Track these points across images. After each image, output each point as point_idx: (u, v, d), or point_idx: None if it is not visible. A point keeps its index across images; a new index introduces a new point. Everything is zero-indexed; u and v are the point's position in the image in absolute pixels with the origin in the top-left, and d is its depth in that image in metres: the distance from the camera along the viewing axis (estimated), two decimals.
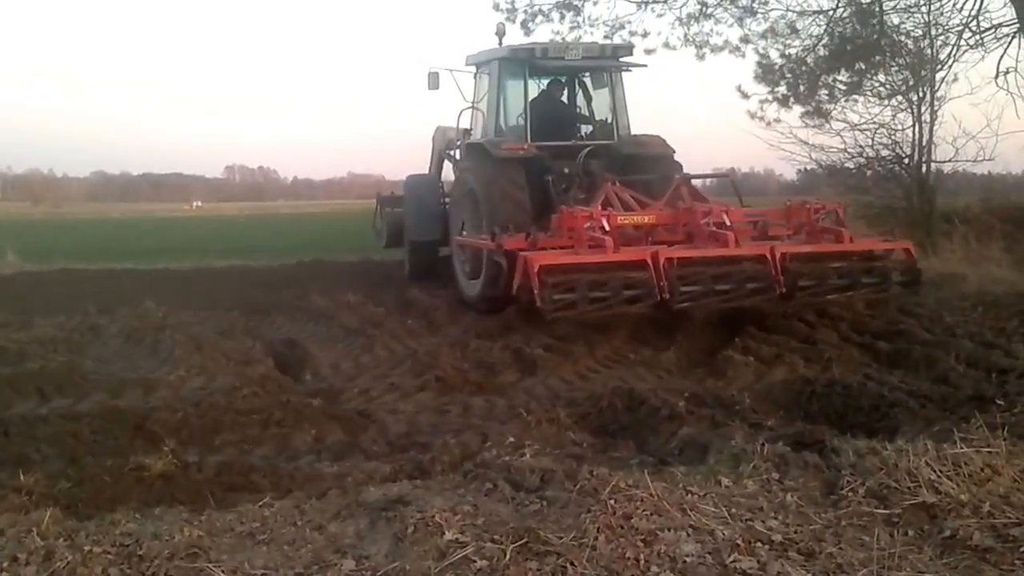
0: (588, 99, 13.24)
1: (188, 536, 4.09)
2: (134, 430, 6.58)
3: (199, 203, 60.44)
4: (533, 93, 12.81)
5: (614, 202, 10.35)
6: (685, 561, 3.90)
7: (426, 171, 15.53)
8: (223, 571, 3.83)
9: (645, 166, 11.86)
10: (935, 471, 4.56)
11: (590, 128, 13.09)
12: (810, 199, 11.07)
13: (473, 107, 12.99)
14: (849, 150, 19.26)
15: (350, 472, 5.38)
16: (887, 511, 4.37)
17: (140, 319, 11.04)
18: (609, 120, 12.88)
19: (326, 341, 10.28)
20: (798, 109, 19.56)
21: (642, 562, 3.89)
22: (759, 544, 4.04)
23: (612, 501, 4.36)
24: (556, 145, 12.17)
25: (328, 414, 6.99)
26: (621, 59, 12.79)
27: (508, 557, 3.89)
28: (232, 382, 7.85)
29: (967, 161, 18.05)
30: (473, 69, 13.38)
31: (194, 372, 8.45)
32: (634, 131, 12.74)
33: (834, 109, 19.36)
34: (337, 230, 28.65)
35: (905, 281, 9.60)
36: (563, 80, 13.10)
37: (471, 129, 13.30)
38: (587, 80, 13.25)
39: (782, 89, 19.46)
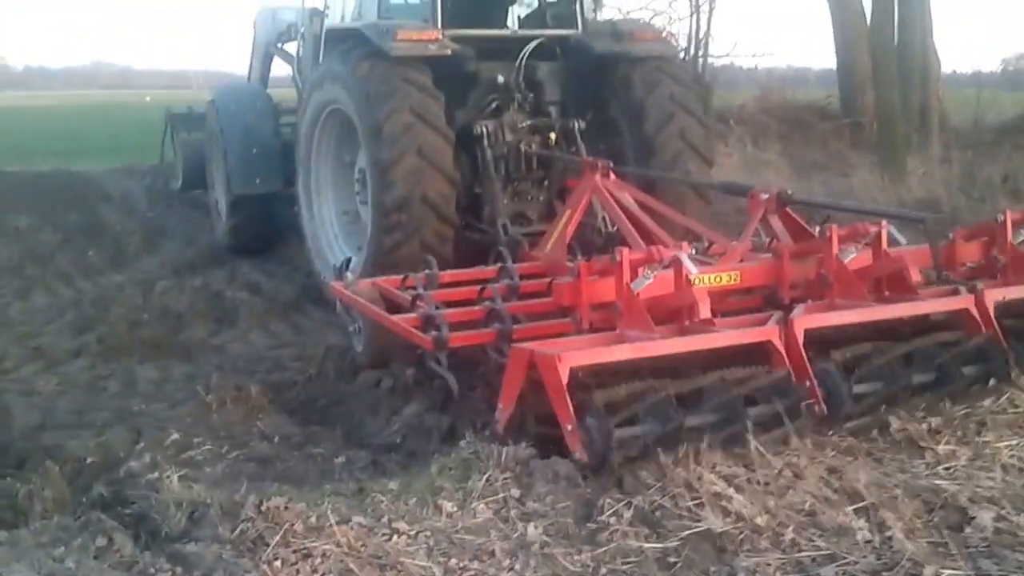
0: None
1: None
2: None
3: None
4: None
5: (611, 209, 5.81)
6: None
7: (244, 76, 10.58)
8: None
9: (634, 82, 6.93)
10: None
11: (529, 10, 8.03)
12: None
13: None
14: None
15: None
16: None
17: None
18: None
19: None
20: None
21: None
22: None
23: (277, 562, 2.98)
24: (481, 36, 7.17)
25: None
26: None
27: None
28: None
29: (745, 56, 17.47)
30: None
31: None
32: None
33: None
34: (37, 130, 24.95)
35: None
36: None
37: (326, 8, 8.09)
38: None
39: None
